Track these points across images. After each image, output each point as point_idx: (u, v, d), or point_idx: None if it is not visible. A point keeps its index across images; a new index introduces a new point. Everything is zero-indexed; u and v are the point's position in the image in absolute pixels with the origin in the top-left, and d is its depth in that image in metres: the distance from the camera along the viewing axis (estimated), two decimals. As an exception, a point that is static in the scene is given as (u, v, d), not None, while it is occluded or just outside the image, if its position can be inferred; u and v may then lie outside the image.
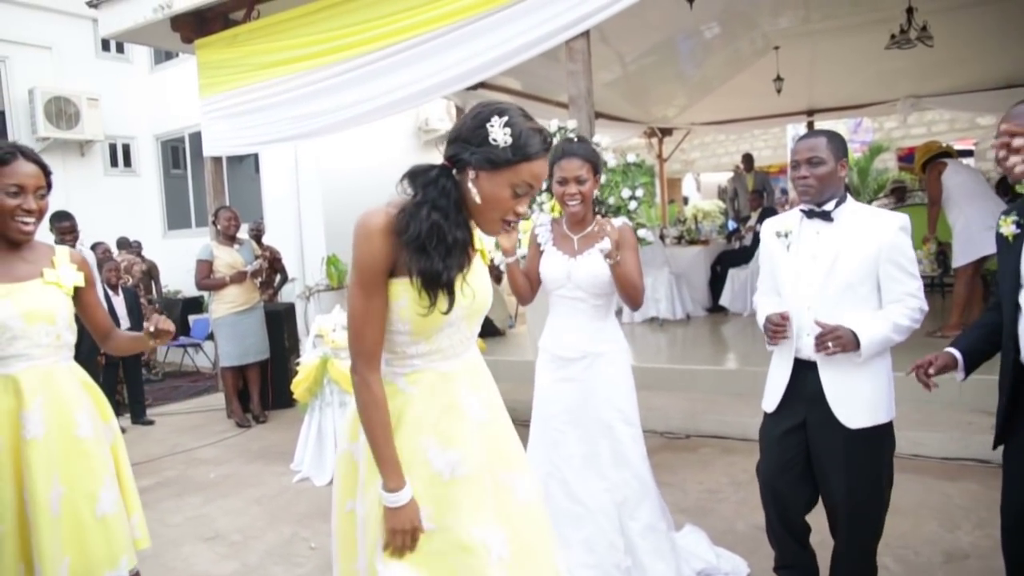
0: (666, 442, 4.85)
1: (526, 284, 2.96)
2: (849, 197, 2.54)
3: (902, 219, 2.44)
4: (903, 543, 3.26)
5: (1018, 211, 2.11)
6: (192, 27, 6.29)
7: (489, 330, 7.32)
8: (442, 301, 1.65)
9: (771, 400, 2.62)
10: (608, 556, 2.79)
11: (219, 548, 3.80)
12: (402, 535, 1.64)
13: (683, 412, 5.10)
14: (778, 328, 2.45)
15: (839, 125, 15.85)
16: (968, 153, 13.96)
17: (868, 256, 2.39)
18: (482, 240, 1.82)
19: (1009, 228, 2.10)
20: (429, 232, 1.59)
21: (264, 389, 6.42)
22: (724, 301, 8.21)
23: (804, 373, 2.51)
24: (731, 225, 10.74)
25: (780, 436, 2.60)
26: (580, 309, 2.84)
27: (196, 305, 9.60)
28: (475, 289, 1.73)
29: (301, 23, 5.65)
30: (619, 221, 2.88)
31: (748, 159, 11.15)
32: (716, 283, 8.50)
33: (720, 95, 10.90)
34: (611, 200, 4.01)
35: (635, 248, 2.85)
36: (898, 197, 9.77)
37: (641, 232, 3.96)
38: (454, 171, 1.66)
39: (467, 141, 1.62)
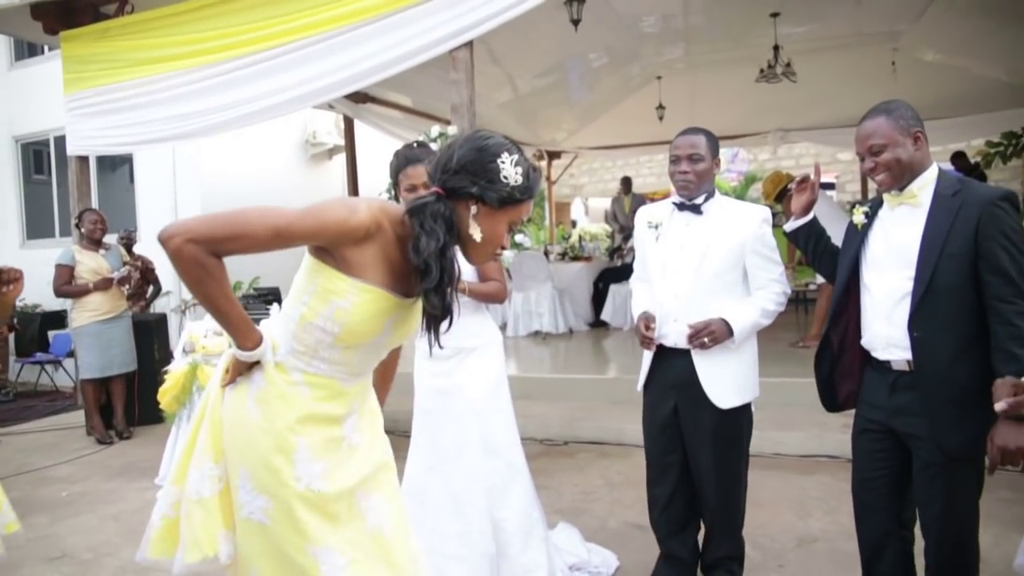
0: (545, 448, 4.89)
1: None
2: (717, 192, 2.72)
3: (764, 212, 2.68)
4: (761, 532, 3.43)
5: (869, 204, 2.30)
6: (56, 17, 5.93)
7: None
8: (413, 320, 1.67)
9: (641, 377, 2.81)
10: (478, 546, 2.80)
11: (65, 568, 3.53)
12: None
13: (562, 420, 5.18)
14: (647, 339, 2.63)
15: (717, 155, 16.75)
16: (830, 186, 15.00)
17: (735, 246, 2.60)
18: None
19: (859, 217, 2.29)
20: (439, 258, 1.55)
21: (129, 403, 6.05)
22: (606, 316, 8.43)
23: (669, 360, 2.68)
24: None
25: (657, 419, 2.76)
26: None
27: (57, 320, 8.96)
28: (410, 322, 1.72)
29: (177, 20, 5.46)
30: None
31: (626, 181, 11.58)
32: (598, 299, 8.72)
33: (606, 121, 11.30)
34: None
35: None
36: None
37: (518, 237, 4.02)
38: (447, 200, 1.59)
39: (475, 175, 1.56)
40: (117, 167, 10.11)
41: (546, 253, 9.22)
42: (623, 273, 8.65)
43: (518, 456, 2.94)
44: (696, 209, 2.67)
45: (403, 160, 2.77)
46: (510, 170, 1.57)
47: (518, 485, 2.91)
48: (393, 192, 2.96)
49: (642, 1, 7.49)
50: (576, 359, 7.33)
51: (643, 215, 2.84)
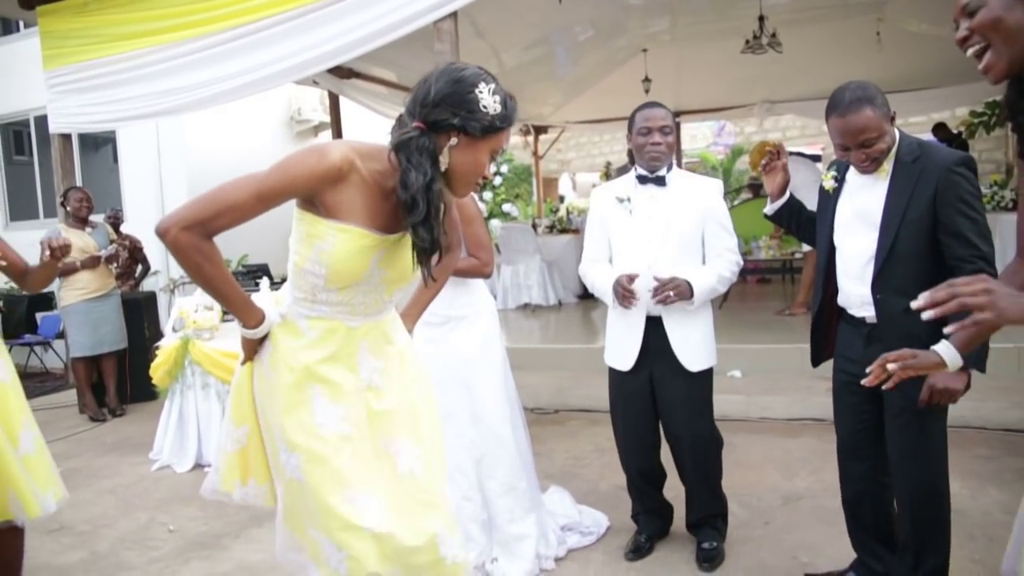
0: (536, 417, 4.96)
1: None
2: (677, 168, 2.84)
3: (717, 183, 2.86)
4: (748, 491, 3.51)
5: (837, 168, 2.36)
6: (33, -9, 5.86)
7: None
8: (403, 256, 1.69)
9: (627, 358, 2.82)
10: (468, 513, 2.85)
11: (64, 539, 3.57)
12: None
13: (552, 389, 5.25)
14: (628, 293, 2.66)
15: (703, 128, 16.76)
16: (816, 158, 15.06)
17: (696, 216, 2.74)
18: None
19: (830, 182, 2.37)
20: (426, 192, 1.56)
21: (121, 381, 6.06)
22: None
23: (650, 329, 2.78)
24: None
25: (636, 390, 2.85)
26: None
27: (44, 301, 8.92)
28: (402, 258, 1.72)
29: (157, -6, 5.39)
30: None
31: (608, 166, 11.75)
32: (587, 272, 8.77)
33: (593, 95, 11.27)
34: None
35: (470, 211, 2.90)
36: (755, 192, 10.43)
37: (506, 207, 4.05)
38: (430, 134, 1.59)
39: (455, 107, 1.56)
40: (100, 146, 10.03)
41: (534, 226, 9.25)
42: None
43: (505, 428, 2.93)
44: (660, 181, 2.76)
45: None
46: (488, 99, 1.57)
47: (505, 456, 2.91)
48: None
49: (627, -28, 7.46)
50: (565, 330, 7.40)
51: (607, 191, 2.89)
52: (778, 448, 4.10)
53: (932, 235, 2.09)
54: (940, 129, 10.15)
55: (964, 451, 3.82)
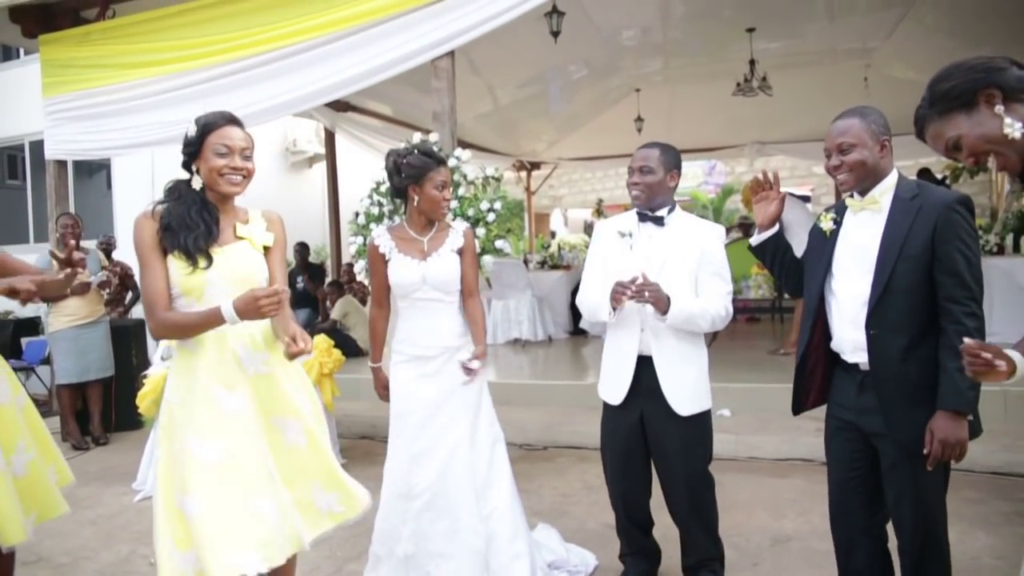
0: (524, 453, 4.94)
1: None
2: (681, 210, 2.84)
3: (719, 229, 2.83)
4: (737, 532, 3.48)
5: (836, 210, 2.35)
6: (36, 21, 5.92)
7: (353, 350, 7.20)
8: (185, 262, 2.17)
9: (617, 393, 2.82)
10: (468, 542, 2.82)
11: (42, 572, 3.50)
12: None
13: (541, 425, 5.23)
14: (624, 288, 2.60)
15: (694, 167, 16.97)
16: (806, 198, 15.26)
17: (692, 259, 2.73)
18: (250, 231, 2.31)
19: (828, 224, 2.33)
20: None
21: (106, 409, 6.00)
22: (585, 324, 8.49)
23: (642, 367, 2.76)
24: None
25: (625, 430, 2.83)
26: (435, 309, 2.90)
27: (30, 326, 8.86)
28: (230, 261, 2.23)
29: (159, 27, 5.48)
30: (461, 224, 3.04)
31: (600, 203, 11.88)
32: (577, 307, 8.77)
33: (586, 132, 11.44)
34: (470, 212, 4.11)
35: (474, 251, 3.03)
36: (744, 231, 10.55)
37: (499, 243, 4.07)
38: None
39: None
40: (94, 173, 10.06)
41: (525, 262, 9.29)
42: (602, 282, 8.72)
43: (501, 449, 3.00)
44: (659, 221, 2.78)
45: (438, 159, 2.90)
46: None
47: (503, 477, 2.96)
48: (398, 196, 3.00)
49: (621, 15, 7.62)
50: (555, 366, 7.39)
51: (610, 225, 2.91)
52: (767, 488, 4.08)
53: (928, 272, 2.09)
54: (924, 174, 10.32)
55: (952, 494, 3.74)
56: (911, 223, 2.11)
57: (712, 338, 6.59)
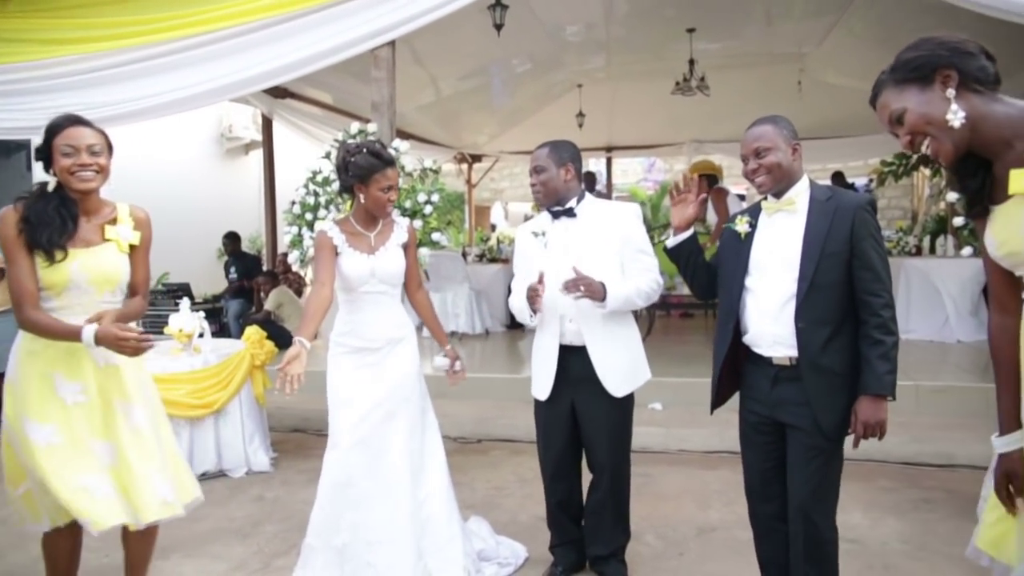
0: (458, 446, 4.95)
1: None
2: (588, 194, 2.92)
3: (636, 208, 2.93)
4: (664, 523, 3.59)
5: (750, 213, 2.45)
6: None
7: (287, 341, 7.07)
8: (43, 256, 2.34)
9: (543, 387, 2.90)
10: (406, 528, 2.87)
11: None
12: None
13: (476, 418, 5.25)
14: (536, 292, 2.70)
15: (634, 164, 17.20)
16: (742, 197, 15.60)
17: (611, 242, 2.81)
18: (117, 232, 2.47)
19: (743, 227, 2.41)
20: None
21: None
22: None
23: (568, 357, 2.83)
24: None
25: (558, 421, 2.90)
26: (382, 301, 2.98)
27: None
28: (94, 261, 2.41)
29: (86, 1, 5.25)
30: (403, 219, 3.16)
31: (590, 177, 11.85)
32: (516, 300, 8.81)
33: (528, 126, 11.45)
34: (407, 204, 4.09)
35: (416, 246, 3.16)
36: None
37: (435, 236, 4.07)
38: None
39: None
40: (12, 153, 9.58)
41: (464, 255, 9.28)
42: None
43: (435, 435, 3.11)
44: (570, 212, 2.86)
45: (386, 161, 2.89)
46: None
47: (438, 462, 3.06)
48: (346, 192, 3.00)
49: (565, 10, 7.66)
50: (491, 359, 7.42)
51: (526, 228, 3.02)
52: (695, 480, 4.20)
53: (847, 268, 2.22)
54: (837, 177, 10.74)
55: (867, 483, 4.00)
56: (830, 223, 2.24)
57: (647, 331, 6.72)
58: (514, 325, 8.81)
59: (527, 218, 16.45)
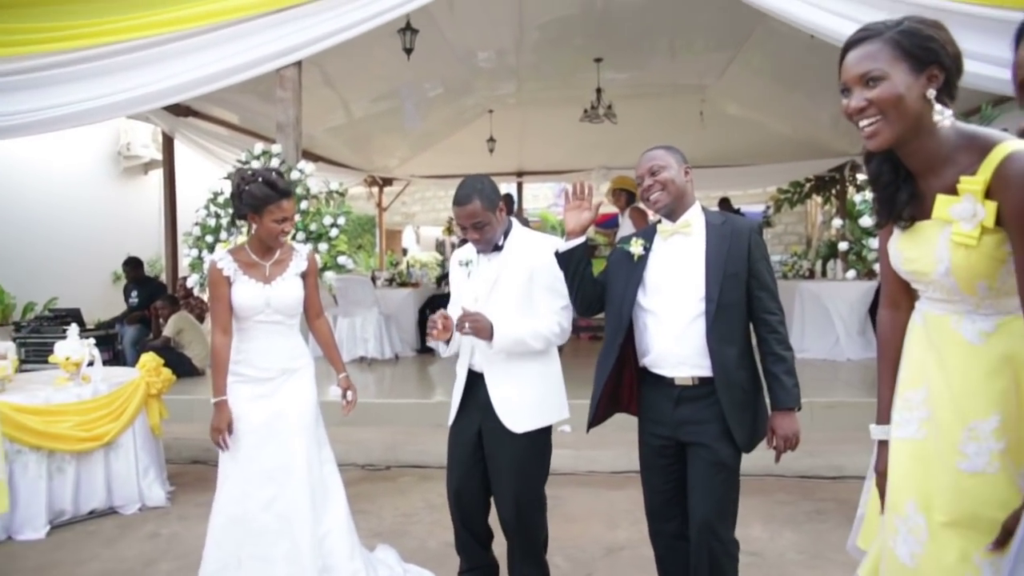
0: (366, 474, 4.84)
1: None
2: (518, 226, 2.84)
3: (555, 242, 2.76)
4: (572, 543, 3.60)
5: (643, 236, 2.48)
6: None
7: (187, 369, 6.80)
8: None
9: (452, 409, 2.87)
10: (308, 563, 2.82)
11: None
12: None
13: (385, 444, 5.16)
14: (434, 324, 2.64)
15: (544, 188, 17.48)
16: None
17: (522, 277, 2.71)
18: None
19: (638, 249, 2.45)
20: None
21: None
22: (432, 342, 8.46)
23: (477, 383, 2.77)
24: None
25: (463, 444, 2.83)
26: (277, 331, 2.94)
27: None
28: None
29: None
30: (304, 247, 3.10)
31: (508, 199, 11.90)
32: (425, 325, 8.75)
33: (439, 150, 11.51)
34: (312, 227, 4.02)
35: (317, 274, 3.11)
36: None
37: (341, 259, 4.01)
38: None
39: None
40: None
41: (373, 279, 9.16)
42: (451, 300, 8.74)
43: (333, 468, 3.05)
44: (497, 248, 2.77)
45: (280, 192, 2.82)
46: None
47: (338, 496, 3.01)
48: (241, 219, 2.97)
49: (476, 36, 7.76)
50: (400, 384, 7.33)
51: (456, 256, 2.96)
52: (603, 500, 4.25)
53: (744, 288, 2.33)
54: (724, 203, 11.25)
55: (765, 497, 4.15)
56: (728, 245, 2.33)
57: (560, 349, 6.78)
58: (424, 349, 8.73)
59: (439, 243, 16.42)
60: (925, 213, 1.54)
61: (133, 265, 8.44)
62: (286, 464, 2.87)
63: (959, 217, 1.45)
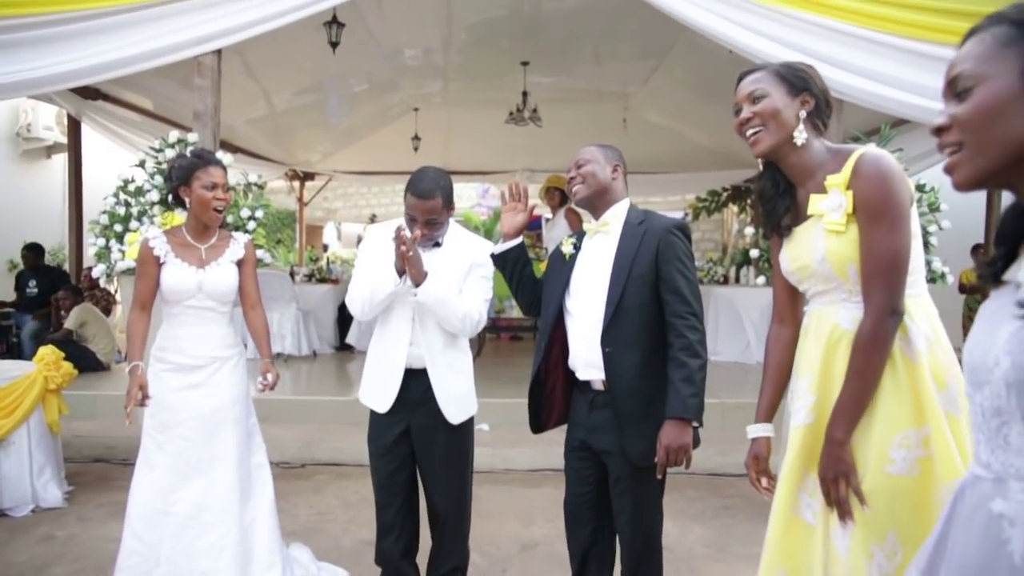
0: (280, 471, 4.69)
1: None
2: (454, 224, 2.80)
3: (488, 244, 2.80)
4: (488, 541, 3.63)
5: (576, 236, 2.52)
6: None
7: (91, 363, 6.50)
8: None
9: (384, 401, 2.71)
10: (234, 555, 2.77)
11: None
12: None
13: (300, 442, 5.07)
14: (400, 236, 2.53)
15: (468, 188, 17.48)
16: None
17: (463, 270, 2.69)
18: None
19: (568, 248, 2.48)
20: None
21: None
22: (351, 339, 8.35)
23: (411, 380, 2.70)
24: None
25: (392, 441, 2.73)
26: (209, 317, 2.88)
27: None
28: None
29: None
30: (242, 236, 3.04)
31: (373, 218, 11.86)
32: (343, 322, 8.63)
33: (363, 147, 11.35)
34: (229, 219, 3.91)
35: (255, 264, 3.04)
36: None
37: (259, 253, 3.91)
38: None
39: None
40: None
41: (292, 274, 8.97)
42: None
43: (263, 458, 3.01)
44: (436, 244, 2.72)
45: (207, 160, 2.84)
46: None
47: (265, 487, 2.97)
48: (178, 204, 2.92)
49: (403, 33, 7.70)
50: (318, 381, 7.21)
51: (382, 231, 2.79)
52: (519, 498, 4.29)
53: (655, 291, 2.27)
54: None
55: (676, 494, 4.25)
56: (638, 245, 2.29)
57: (477, 352, 6.81)
58: (343, 347, 8.61)
59: (360, 239, 16.20)
60: (803, 220, 1.77)
61: (35, 252, 7.99)
62: (214, 455, 2.81)
63: (828, 209, 1.68)
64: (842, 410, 1.62)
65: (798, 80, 1.79)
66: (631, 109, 9.85)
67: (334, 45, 6.63)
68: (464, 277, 2.70)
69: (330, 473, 4.75)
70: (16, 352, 7.27)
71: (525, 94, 8.93)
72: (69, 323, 6.90)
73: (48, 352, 4.33)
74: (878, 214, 1.62)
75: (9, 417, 4.00)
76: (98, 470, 4.84)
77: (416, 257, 2.52)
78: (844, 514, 1.59)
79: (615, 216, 2.41)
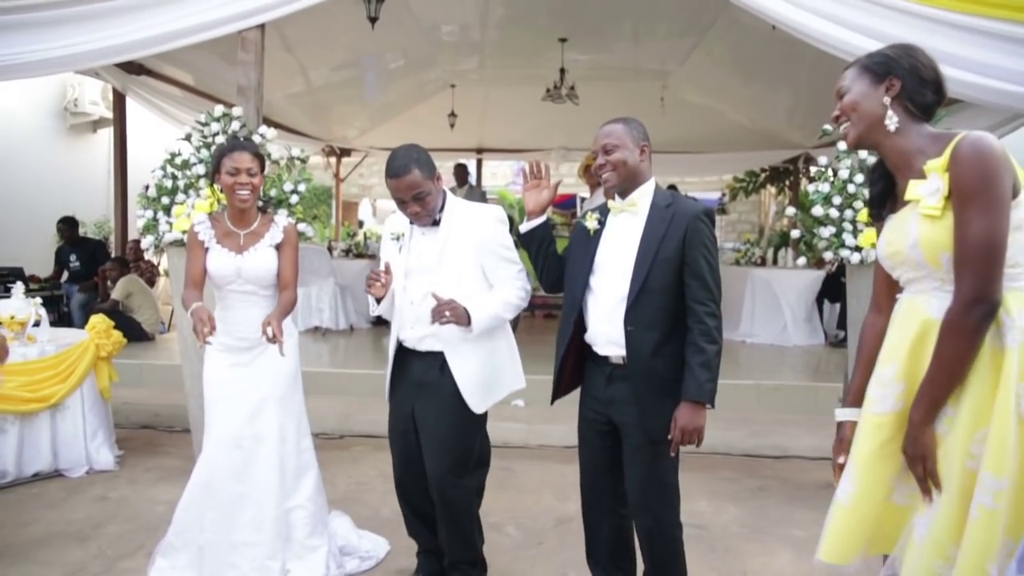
0: (320, 442, 4.76)
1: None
2: (451, 197, 2.75)
3: (497, 211, 2.80)
4: (524, 514, 3.70)
5: (600, 211, 2.49)
6: None
7: (137, 333, 6.67)
8: None
9: (386, 384, 2.87)
10: (272, 530, 2.88)
11: None
12: None
13: (338, 414, 5.17)
14: (374, 278, 2.60)
15: (503, 166, 17.47)
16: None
17: (470, 248, 2.65)
18: None
19: (592, 223, 2.46)
20: None
21: None
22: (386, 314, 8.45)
23: (407, 360, 2.76)
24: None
25: (400, 422, 2.81)
26: (252, 301, 2.94)
27: None
28: None
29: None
30: (283, 220, 3.07)
31: (461, 170, 11.82)
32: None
33: (399, 123, 11.35)
34: (273, 192, 3.97)
35: (296, 247, 3.02)
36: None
37: (301, 227, 3.96)
38: None
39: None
40: None
41: (329, 249, 9.08)
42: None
43: (309, 445, 3.07)
44: (435, 222, 2.68)
45: (230, 146, 2.92)
46: None
47: (310, 473, 3.05)
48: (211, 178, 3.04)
49: (441, 9, 7.68)
50: (354, 355, 7.34)
51: (387, 226, 2.85)
52: (554, 473, 4.33)
53: (678, 274, 2.28)
54: (671, 189, 11.43)
55: (711, 474, 4.30)
56: (666, 228, 2.29)
57: (514, 326, 6.84)
58: (380, 321, 8.68)
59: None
60: (903, 206, 1.73)
61: (71, 225, 8.17)
62: (256, 433, 2.89)
63: (925, 193, 1.63)
64: (922, 394, 1.62)
65: (879, 67, 1.77)
66: (669, 88, 9.72)
67: (373, 20, 6.63)
68: (476, 256, 2.65)
69: (368, 445, 4.84)
70: (67, 322, 7.48)
71: (563, 71, 8.86)
72: (116, 294, 7.09)
73: (99, 321, 4.47)
74: (971, 195, 1.55)
75: (65, 382, 4.15)
76: (145, 436, 5.00)
77: (457, 312, 2.49)
78: (925, 491, 1.61)
79: (642, 196, 2.38)
